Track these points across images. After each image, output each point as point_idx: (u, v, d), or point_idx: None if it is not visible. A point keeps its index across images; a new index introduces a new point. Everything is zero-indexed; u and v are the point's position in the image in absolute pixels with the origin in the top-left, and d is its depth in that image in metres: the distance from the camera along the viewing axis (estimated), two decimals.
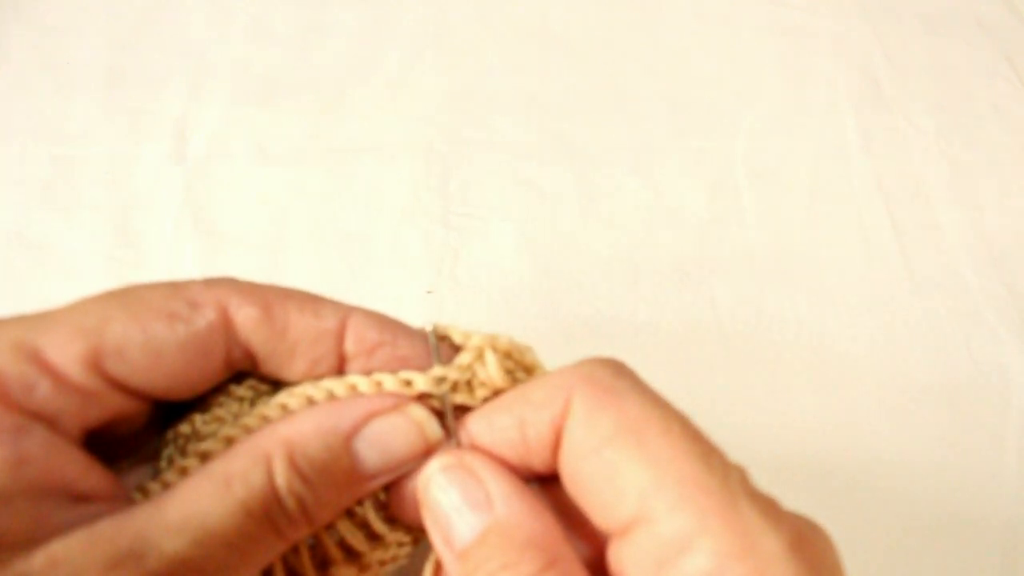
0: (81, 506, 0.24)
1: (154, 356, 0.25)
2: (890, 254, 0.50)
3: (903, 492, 0.42)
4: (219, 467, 0.25)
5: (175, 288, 0.26)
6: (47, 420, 0.24)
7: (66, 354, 0.24)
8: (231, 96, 0.52)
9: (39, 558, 0.22)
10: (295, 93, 0.53)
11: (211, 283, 0.26)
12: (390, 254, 0.47)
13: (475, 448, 0.27)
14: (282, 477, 0.25)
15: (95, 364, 0.24)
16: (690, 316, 0.46)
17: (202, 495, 0.24)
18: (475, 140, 0.52)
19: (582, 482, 0.25)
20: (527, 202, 0.49)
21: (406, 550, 0.30)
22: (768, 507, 0.22)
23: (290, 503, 0.25)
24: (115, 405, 0.25)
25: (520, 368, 0.29)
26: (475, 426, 0.27)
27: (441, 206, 0.49)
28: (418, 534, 0.30)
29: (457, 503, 0.25)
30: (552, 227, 0.48)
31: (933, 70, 0.60)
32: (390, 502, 0.28)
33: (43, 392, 0.24)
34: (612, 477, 0.23)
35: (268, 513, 0.24)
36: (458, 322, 0.29)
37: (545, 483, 0.27)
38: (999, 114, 0.58)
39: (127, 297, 0.25)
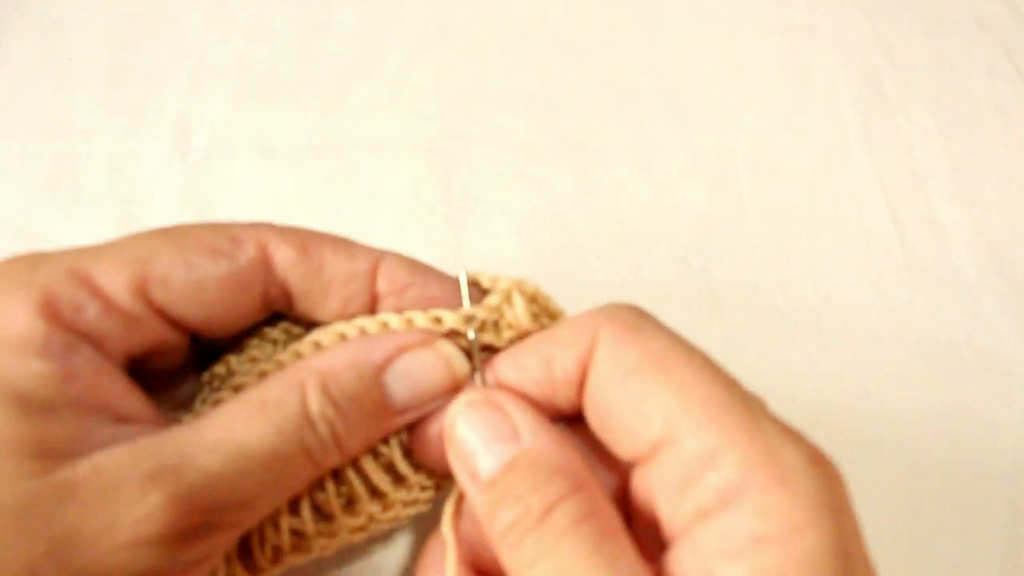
0: (123, 425, 0.25)
1: (197, 287, 0.26)
2: (891, 250, 0.50)
3: (907, 475, 0.42)
4: (255, 393, 0.26)
5: (218, 226, 0.27)
6: (94, 341, 0.25)
7: (115, 280, 0.26)
8: (232, 93, 0.52)
9: (84, 466, 0.23)
10: (296, 90, 0.53)
11: (252, 224, 0.28)
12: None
13: (501, 386, 0.28)
14: (315, 403, 0.26)
15: (142, 291, 0.26)
16: (691, 311, 0.46)
17: (239, 417, 0.25)
18: (476, 137, 0.52)
19: (607, 412, 0.26)
20: (528, 198, 0.50)
21: (428, 494, 0.31)
22: (786, 428, 0.23)
23: (322, 428, 0.26)
24: (157, 333, 0.27)
25: (544, 313, 0.30)
26: (502, 366, 0.28)
27: (443, 202, 0.49)
28: (440, 480, 0.31)
29: (484, 436, 0.26)
30: (553, 222, 0.49)
31: (934, 68, 0.60)
32: (414, 444, 0.29)
33: (92, 314, 0.25)
34: (638, 404, 0.24)
35: (301, 437, 0.26)
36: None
37: (568, 423, 0.28)
38: (999, 112, 0.58)
39: (174, 233, 0.27)
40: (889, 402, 0.44)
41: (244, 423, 0.25)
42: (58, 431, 0.24)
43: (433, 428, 0.28)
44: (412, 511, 0.31)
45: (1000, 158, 0.56)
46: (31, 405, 0.23)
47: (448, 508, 0.28)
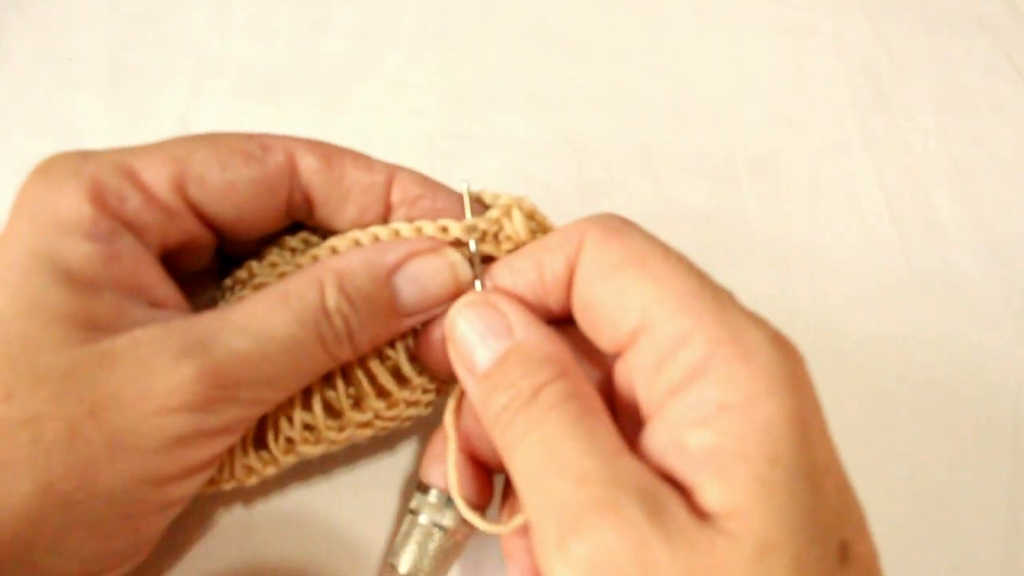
0: (157, 309, 0.28)
1: (229, 187, 0.29)
2: (891, 249, 0.50)
3: (906, 477, 0.42)
4: (278, 287, 0.29)
5: (251, 135, 0.30)
6: (135, 230, 0.28)
7: (157, 175, 0.28)
8: (233, 92, 0.52)
9: (123, 339, 0.26)
10: (296, 90, 0.53)
11: (281, 135, 0.30)
12: None
13: (497, 289, 0.30)
14: (332, 299, 0.28)
15: (180, 186, 0.28)
16: None
17: (262, 306, 0.28)
18: (476, 136, 0.52)
19: (592, 307, 0.28)
20: (529, 197, 0.49)
21: (430, 396, 0.34)
22: (751, 313, 0.26)
23: (337, 321, 0.28)
24: (190, 228, 0.29)
25: (541, 229, 0.32)
26: (498, 271, 0.30)
27: None
28: (441, 384, 0.33)
29: (481, 332, 0.28)
30: (554, 222, 0.48)
31: (934, 68, 0.60)
32: (419, 348, 0.32)
33: (134, 204, 0.28)
34: (618, 297, 0.27)
35: (318, 327, 0.28)
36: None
37: (560, 326, 0.30)
38: (1000, 111, 0.58)
39: (211, 137, 0.30)
40: (888, 402, 0.44)
41: (268, 311, 0.28)
42: (101, 307, 0.26)
43: (436, 333, 0.31)
44: (414, 412, 0.34)
45: (1000, 158, 0.56)
46: (78, 281, 0.26)
47: (450, 404, 0.31)
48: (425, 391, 0.33)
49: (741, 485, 0.23)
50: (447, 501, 0.31)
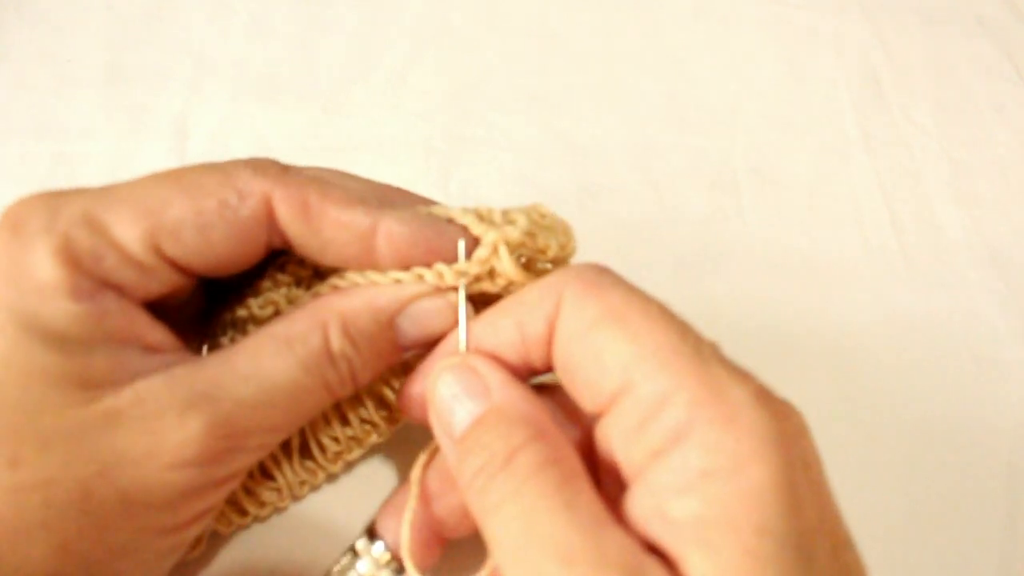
0: (153, 355, 0.27)
1: (205, 239, 0.28)
2: (889, 251, 0.50)
3: (905, 480, 0.42)
4: (281, 329, 0.29)
5: (226, 176, 0.28)
6: (113, 287, 0.27)
7: (129, 232, 0.27)
8: (231, 93, 0.52)
9: (126, 395, 0.26)
10: (296, 90, 0.53)
11: (258, 170, 0.29)
12: None
13: (477, 351, 0.29)
14: (337, 343, 0.29)
15: (154, 245, 0.27)
16: (688, 312, 0.46)
17: (267, 352, 0.28)
18: (475, 138, 0.52)
19: (572, 366, 0.27)
20: (527, 199, 0.49)
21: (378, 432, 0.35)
22: (735, 368, 0.25)
23: (342, 365, 0.29)
24: (168, 280, 0.28)
25: (537, 252, 0.32)
26: (479, 330, 0.30)
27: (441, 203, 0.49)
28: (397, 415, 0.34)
29: (458, 394, 0.28)
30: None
31: (933, 68, 0.60)
32: (401, 403, 0.32)
33: (109, 264, 0.27)
34: (598, 356, 0.26)
35: (322, 372, 0.28)
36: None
37: (542, 387, 0.30)
38: (999, 112, 0.58)
39: (183, 182, 0.28)
40: (886, 404, 0.44)
41: (272, 357, 0.28)
42: (97, 363, 0.26)
43: (416, 388, 0.31)
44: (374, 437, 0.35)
45: (999, 158, 0.56)
46: (69, 342, 0.25)
47: (420, 459, 0.31)
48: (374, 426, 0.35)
49: (727, 557, 0.22)
50: (389, 562, 0.31)
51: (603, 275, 0.28)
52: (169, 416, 0.26)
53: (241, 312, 0.33)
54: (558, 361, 0.28)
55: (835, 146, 0.55)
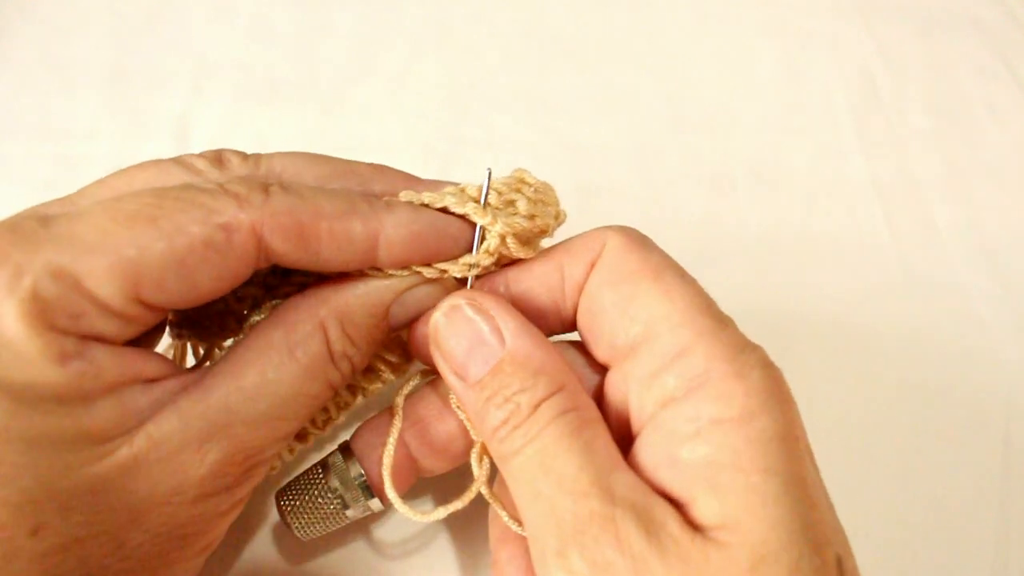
0: (156, 386, 0.27)
1: (189, 284, 0.26)
2: (885, 250, 0.51)
3: (902, 484, 0.42)
4: (280, 337, 0.28)
5: (207, 212, 0.26)
6: (95, 339, 0.26)
7: (107, 287, 0.24)
8: (233, 95, 0.53)
9: (141, 440, 0.26)
10: (296, 91, 0.53)
11: (241, 200, 0.26)
12: None
13: (488, 293, 0.29)
14: (337, 343, 0.29)
15: (135, 296, 0.25)
16: None
17: (271, 364, 0.28)
18: (475, 138, 0.53)
19: (598, 311, 0.28)
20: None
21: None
22: (747, 338, 0.27)
23: (343, 364, 0.29)
24: (152, 320, 0.27)
25: (538, 233, 0.32)
26: (517, 275, 0.31)
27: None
28: (407, 365, 0.34)
29: (469, 337, 0.28)
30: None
31: (929, 70, 0.61)
32: (410, 346, 0.32)
33: (89, 320, 0.25)
34: (627, 305, 0.27)
35: (325, 374, 0.29)
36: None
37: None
38: (994, 113, 0.58)
39: (160, 222, 0.25)
40: (884, 404, 0.45)
41: (277, 369, 0.28)
42: (102, 416, 0.25)
43: (421, 328, 0.31)
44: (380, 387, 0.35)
45: (994, 160, 0.56)
46: (67, 403, 0.24)
47: (404, 390, 0.32)
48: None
49: (735, 496, 0.23)
50: (362, 486, 0.32)
51: (645, 237, 0.30)
52: (187, 453, 0.26)
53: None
54: (584, 305, 0.29)
55: (831, 147, 0.56)
